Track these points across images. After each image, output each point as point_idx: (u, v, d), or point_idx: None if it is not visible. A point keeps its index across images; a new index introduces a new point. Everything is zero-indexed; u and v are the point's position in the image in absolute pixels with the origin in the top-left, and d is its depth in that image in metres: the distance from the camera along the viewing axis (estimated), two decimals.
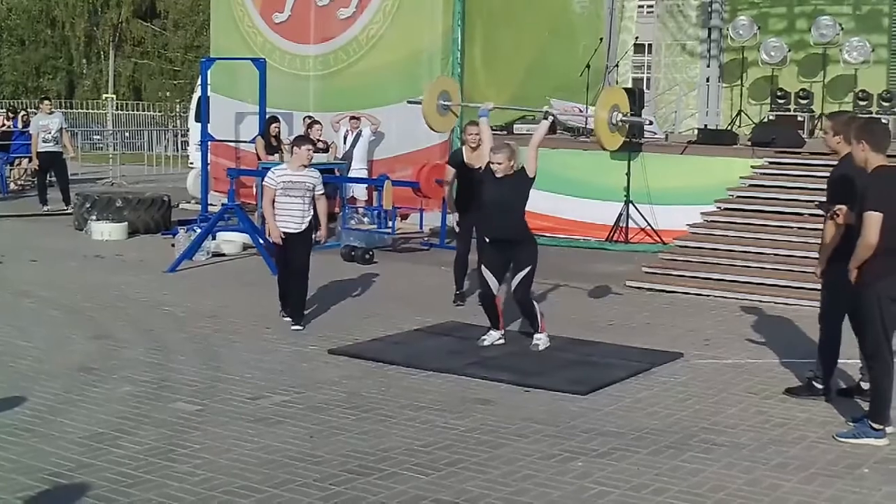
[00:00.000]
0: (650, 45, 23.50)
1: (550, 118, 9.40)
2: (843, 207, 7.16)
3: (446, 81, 9.30)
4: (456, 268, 11.44)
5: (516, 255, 9.21)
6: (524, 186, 9.21)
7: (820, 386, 7.77)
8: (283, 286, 10.13)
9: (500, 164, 9.09)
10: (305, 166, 9.91)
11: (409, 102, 9.95)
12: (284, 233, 9.82)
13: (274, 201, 9.81)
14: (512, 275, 9.26)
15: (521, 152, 9.26)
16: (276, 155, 16.22)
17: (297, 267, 9.97)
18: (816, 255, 12.17)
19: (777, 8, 21.02)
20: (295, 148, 10.03)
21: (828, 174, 14.03)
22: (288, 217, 9.84)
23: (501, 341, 9.35)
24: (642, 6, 23.62)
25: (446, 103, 9.47)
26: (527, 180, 9.20)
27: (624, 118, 8.85)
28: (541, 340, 9.24)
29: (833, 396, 7.73)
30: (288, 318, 10.01)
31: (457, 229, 11.42)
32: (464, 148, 11.45)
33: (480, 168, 10.81)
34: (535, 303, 9.42)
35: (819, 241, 7.67)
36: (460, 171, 11.23)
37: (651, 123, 16.91)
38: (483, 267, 9.37)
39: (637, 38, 21.67)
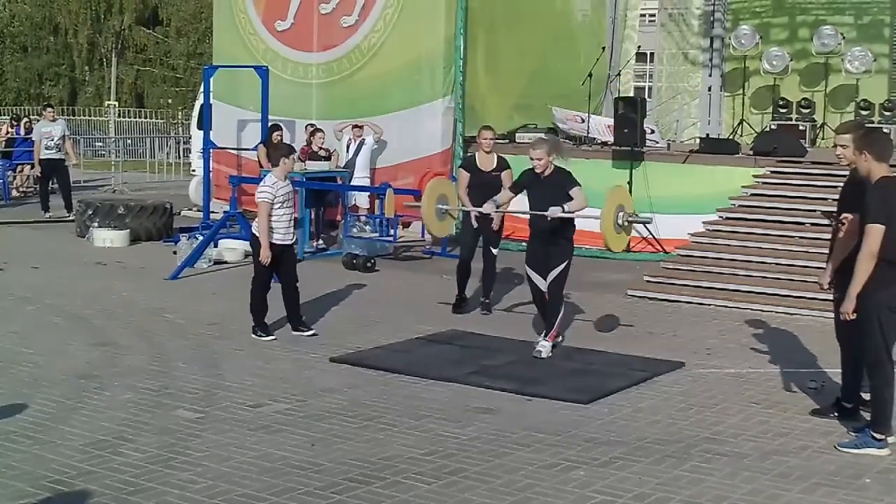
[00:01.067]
0: (652, 54, 23.52)
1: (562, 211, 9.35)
2: (849, 216, 7.12)
3: (442, 184, 9.33)
4: (458, 273, 11.47)
5: (552, 250, 9.25)
6: (566, 186, 9.21)
7: (849, 405, 7.54)
8: (265, 301, 9.87)
9: (539, 159, 9.15)
10: (286, 176, 9.90)
11: (407, 206, 9.99)
12: (281, 245, 9.76)
13: (271, 215, 9.65)
14: (549, 268, 9.27)
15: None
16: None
17: (292, 277, 9.95)
18: (818, 265, 12.28)
19: (779, 18, 21.03)
20: (284, 159, 9.84)
21: (829, 183, 14.14)
22: (286, 228, 9.81)
23: (551, 354, 9.27)
24: (644, 15, 23.65)
25: (444, 207, 9.52)
26: (569, 182, 9.21)
27: (630, 218, 8.89)
28: (544, 348, 9.23)
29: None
30: (270, 338, 9.75)
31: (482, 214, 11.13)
32: (477, 153, 11.48)
33: (492, 172, 11.03)
34: (563, 303, 9.44)
35: (823, 250, 7.59)
36: (473, 175, 11.27)
37: (653, 132, 16.93)
38: (527, 267, 9.44)
39: (639, 46, 21.70)
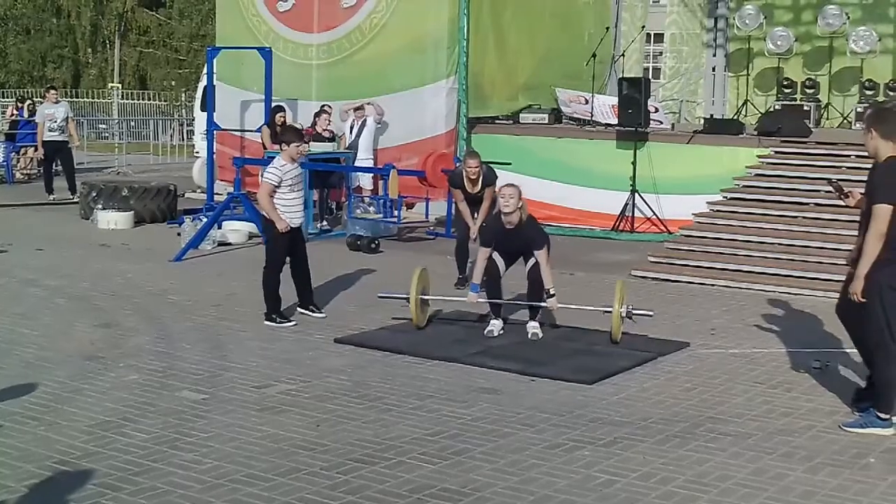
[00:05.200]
0: (657, 35, 23.45)
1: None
2: (855, 191, 7.05)
3: (423, 276, 9.48)
4: (457, 254, 11.65)
5: (528, 249, 9.19)
6: (532, 245, 9.17)
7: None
8: (278, 286, 9.75)
9: (507, 207, 9.00)
10: (294, 159, 9.88)
11: (381, 297, 10.05)
12: (293, 226, 9.73)
13: (273, 196, 9.57)
14: (526, 258, 9.25)
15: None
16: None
17: (304, 257, 9.97)
18: (822, 245, 12.28)
19: None
20: (283, 145, 9.84)
21: (834, 164, 14.14)
22: (297, 210, 9.81)
23: (503, 331, 9.35)
24: None
25: (426, 297, 9.62)
26: (537, 240, 9.17)
27: (631, 310, 9.13)
28: (539, 328, 9.25)
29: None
30: (290, 323, 9.61)
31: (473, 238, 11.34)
32: (464, 177, 11.43)
33: (478, 194, 11.37)
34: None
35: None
36: (463, 191, 11.49)
37: (657, 111, 16.90)
38: (494, 253, 9.38)
39: (643, 26, 21.63)
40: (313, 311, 9.96)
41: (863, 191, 6.99)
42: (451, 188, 12.03)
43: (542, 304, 9.26)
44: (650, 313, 9.33)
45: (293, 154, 9.77)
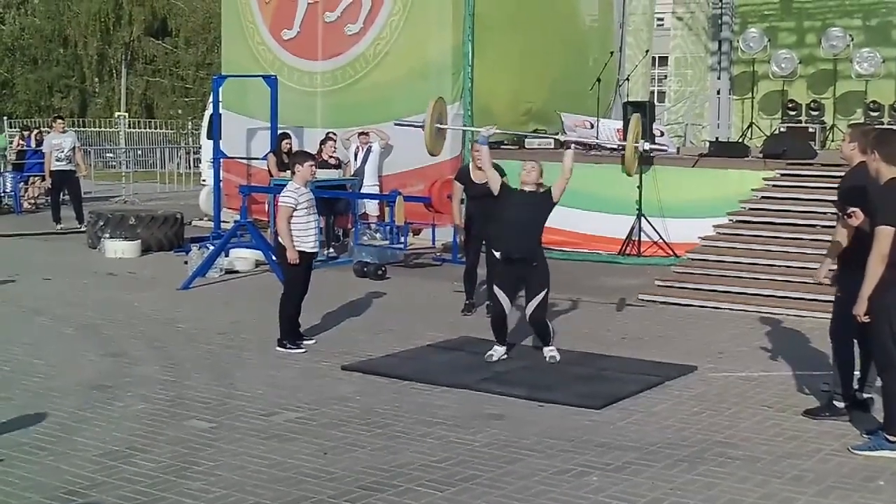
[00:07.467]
0: (662, 58, 23.52)
1: (570, 146, 9.41)
2: (858, 210, 7.07)
3: (440, 105, 9.47)
4: (465, 280, 11.62)
5: (530, 278, 9.20)
6: (547, 208, 9.30)
7: (840, 405, 7.59)
8: (296, 311, 9.78)
9: (528, 176, 9.28)
10: (308, 181, 9.88)
11: (397, 124, 10.15)
12: (309, 253, 9.69)
13: (290, 220, 9.55)
14: (527, 298, 9.25)
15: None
16: (289, 171, 16.19)
17: (308, 285, 9.96)
18: (829, 268, 12.26)
19: (787, 22, 21.03)
20: (298, 166, 9.76)
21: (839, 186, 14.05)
22: (314, 235, 9.76)
23: (506, 356, 9.35)
24: (662, 19, 23.69)
25: (441, 126, 9.59)
26: (550, 203, 9.29)
27: (646, 146, 9.24)
28: (556, 352, 9.24)
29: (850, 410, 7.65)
30: (301, 350, 9.61)
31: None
32: (471, 165, 11.48)
33: (487, 184, 10.86)
34: (548, 322, 9.46)
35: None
36: (467, 187, 11.39)
37: (662, 135, 16.92)
38: (495, 286, 9.39)
39: (648, 50, 21.71)
40: (308, 339, 9.94)
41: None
42: (455, 182, 11.82)
43: (549, 336, 9.27)
44: (665, 147, 9.37)
45: (307, 175, 9.75)
